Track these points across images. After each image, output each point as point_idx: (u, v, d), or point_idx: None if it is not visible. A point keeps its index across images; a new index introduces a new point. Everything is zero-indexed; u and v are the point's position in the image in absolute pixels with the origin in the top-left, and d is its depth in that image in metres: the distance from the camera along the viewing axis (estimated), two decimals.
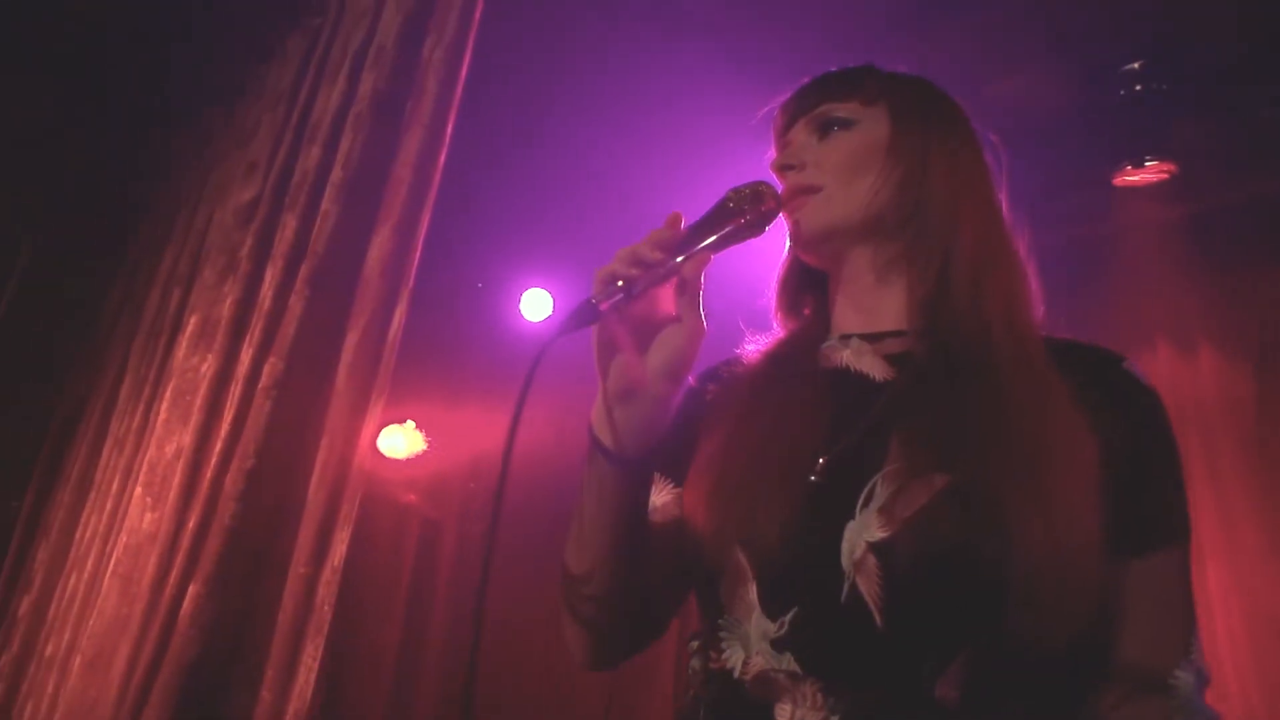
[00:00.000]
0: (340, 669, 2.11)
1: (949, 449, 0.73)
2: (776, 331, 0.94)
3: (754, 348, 0.93)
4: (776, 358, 0.90)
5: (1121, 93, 2.80)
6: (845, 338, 0.87)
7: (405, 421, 2.68)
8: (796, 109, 0.92)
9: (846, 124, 0.88)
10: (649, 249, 0.75)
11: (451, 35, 1.35)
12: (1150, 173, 2.86)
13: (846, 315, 0.88)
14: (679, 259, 0.77)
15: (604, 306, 0.74)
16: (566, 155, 1.99)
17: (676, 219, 0.79)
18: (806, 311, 0.94)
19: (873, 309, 0.87)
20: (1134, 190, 2.94)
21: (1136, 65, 2.73)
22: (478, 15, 1.35)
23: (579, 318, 0.74)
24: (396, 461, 2.64)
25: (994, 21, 2.59)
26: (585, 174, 2.04)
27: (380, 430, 2.60)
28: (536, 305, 2.88)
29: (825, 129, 0.89)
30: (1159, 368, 2.87)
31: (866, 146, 0.86)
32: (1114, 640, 0.73)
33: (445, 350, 2.71)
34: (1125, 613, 0.73)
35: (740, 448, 0.81)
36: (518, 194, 2.06)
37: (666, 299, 0.79)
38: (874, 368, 0.83)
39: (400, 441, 2.68)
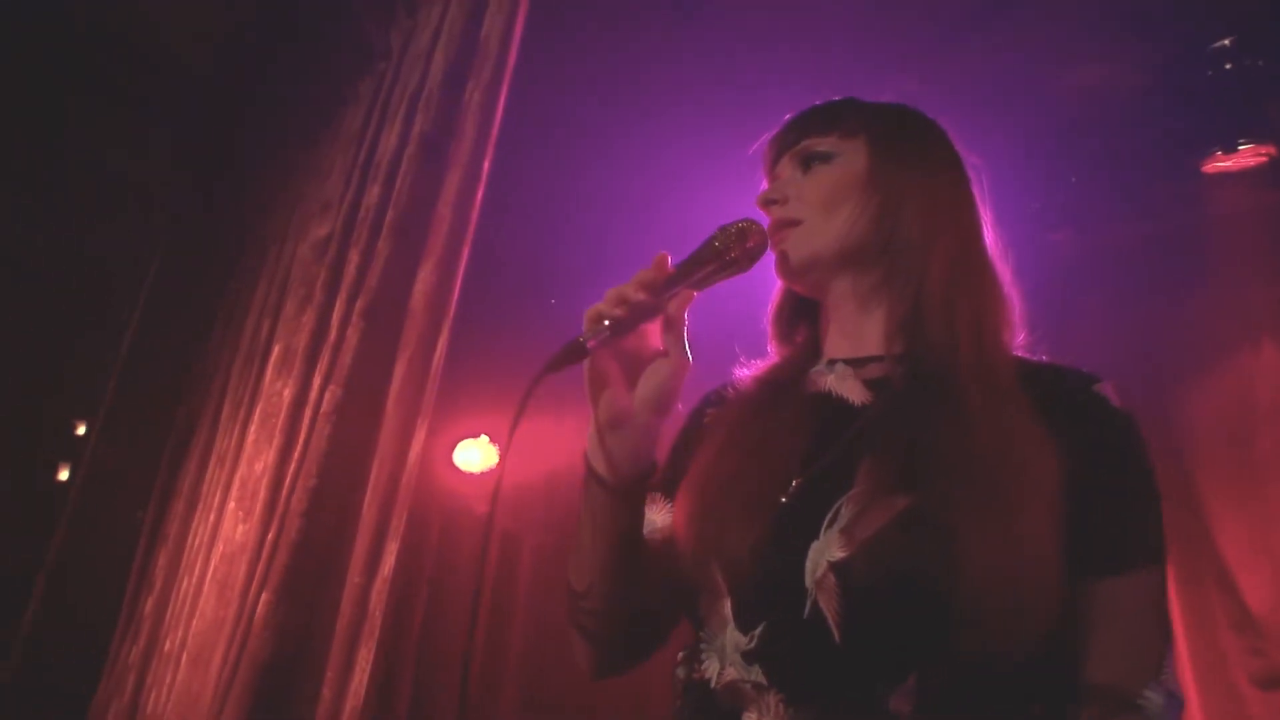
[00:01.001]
0: (422, 677, 2.25)
1: (912, 472, 0.75)
2: (771, 357, 0.97)
3: (747, 373, 0.95)
4: (767, 383, 0.93)
5: (1210, 73, 2.67)
6: (831, 363, 0.90)
7: (479, 436, 2.82)
8: (782, 144, 0.95)
9: (827, 158, 0.91)
10: (634, 290, 0.80)
11: (487, 80, 1.45)
12: (1245, 157, 2.71)
13: (834, 341, 0.91)
14: (666, 295, 0.82)
15: (591, 344, 0.79)
16: (631, 173, 2.07)
17: (663, 259, 0.83)
18: (800, 338, 0.97)
19: (857, 335, 0.89)
20: (1227, 176, 2.80)
21: (1227, 42, 2.60)
22: (512, 60, 1.44)
23: (567, 355, 0.79)
24: (473, 475, 2.78)
25: (1073, 4, 2.52)
26: (651, 192, 2.12)
27: (456, 445, 2.75)
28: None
29: (808, 163, 0.92)
30: (1263, 363, 2.71)
31: (845, 179, 0.89)
32: (1084, 661, 0.74)
33: (520, 364, 2.84)
34: (1095, 634, 0.74)
35: (721, 469, 0.85)
36: (590, 210, 2.16)
37: (654, 334, 0.84)
38: (854, 392, 0.86)
39: (475, 455, 2.82)
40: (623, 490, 0.84)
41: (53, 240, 3.29)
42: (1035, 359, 0.87)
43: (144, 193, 3.27)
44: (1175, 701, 0.74)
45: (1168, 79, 2.68)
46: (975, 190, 0.95)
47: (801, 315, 0.97)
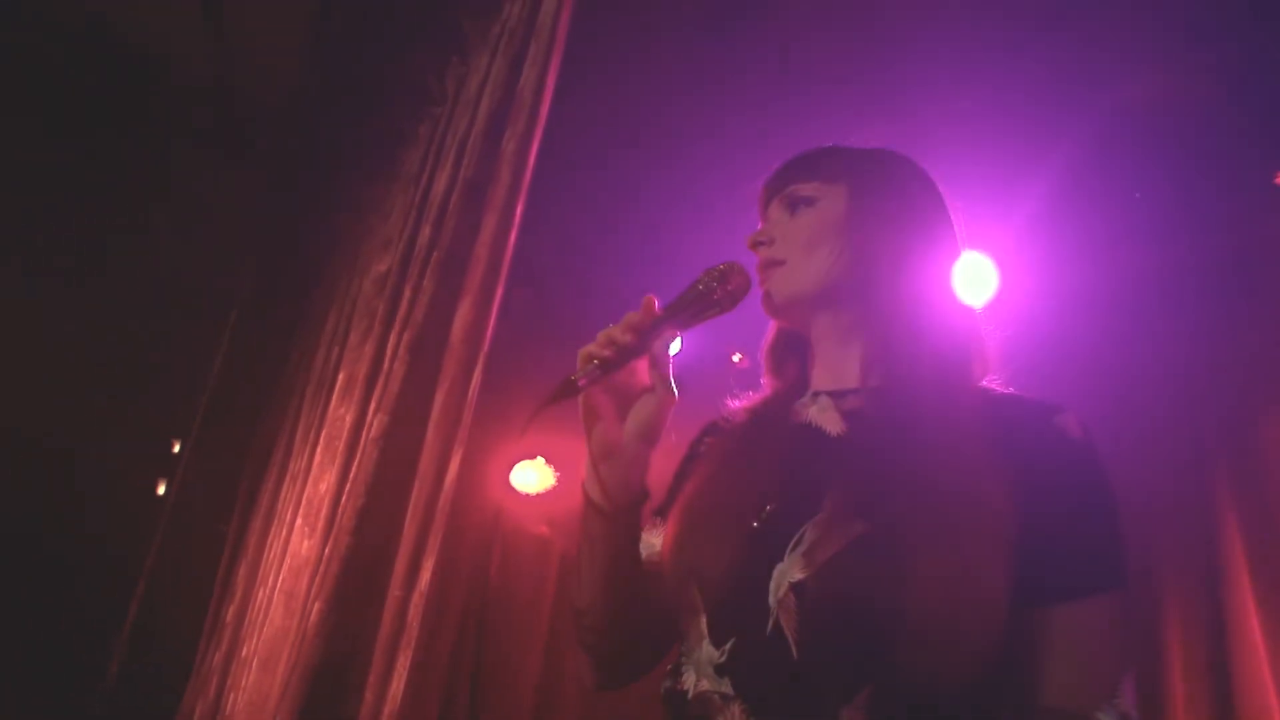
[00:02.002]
0: (486, 695, 2.36)
1: (870, 500, 0.80)
2: (764, 389, 1.04)
3: (739, 405, 1.02)
4: (757, 414, 1.00)
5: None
6: (816, 395, 0.95)
7: (536, 457, 2.94)
8: (772, 188, 1.02)
9: (810, 202, 0.98)
10: (621, 331, 0.89)
11: (522, 130, 1.56)
12: None
13: (819, 374, 0.98)
14: (650, 336, 0.90)
15: (581, 382, 0.88)
16: (657, 212, 2.18)
17: (649, 302, 0.92)
18: (790, 371, 1.03)
19: (838, 369, 0.95)
20: None
21: None
22: (544, 111, 1.56)
23: (560, 392, 0.89)
24: (530, 496, 2.89)
25: (1137, 11, 2.49)
26: (677, 229, 2.22)
27: (513, 467, 2.87)
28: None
29: (794, 206, 0.99)
30: None
31: (824, 223, 0.96)
32: (1040, 684, 0.77)
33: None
34: (1051, 658, 0.77)
35: (705, 496, 0.92)
36: (619, 247, 2.27)
37: (643, 371, 0.92)
38: (831, 423, 0.92)
39: (533, 476, 2.94)
40: (616, 515, 0.92)
41: (150, 273, 3.59)
42: (1002, 390, 0.92)
43: (231, 228, 3.54)
44: None
45: (1236, 88, 2.62)
46: (952, 232, 1.01)
47: (793, 350, 1.03)
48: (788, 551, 0.81)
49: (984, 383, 0.94)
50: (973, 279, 2.80)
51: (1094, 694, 0.76)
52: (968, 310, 0.98)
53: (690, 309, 0.92)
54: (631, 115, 2.02)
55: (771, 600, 0.79)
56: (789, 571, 0.79)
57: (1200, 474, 2.61)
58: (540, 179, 1.49)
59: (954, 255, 1.00)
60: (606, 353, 0.88)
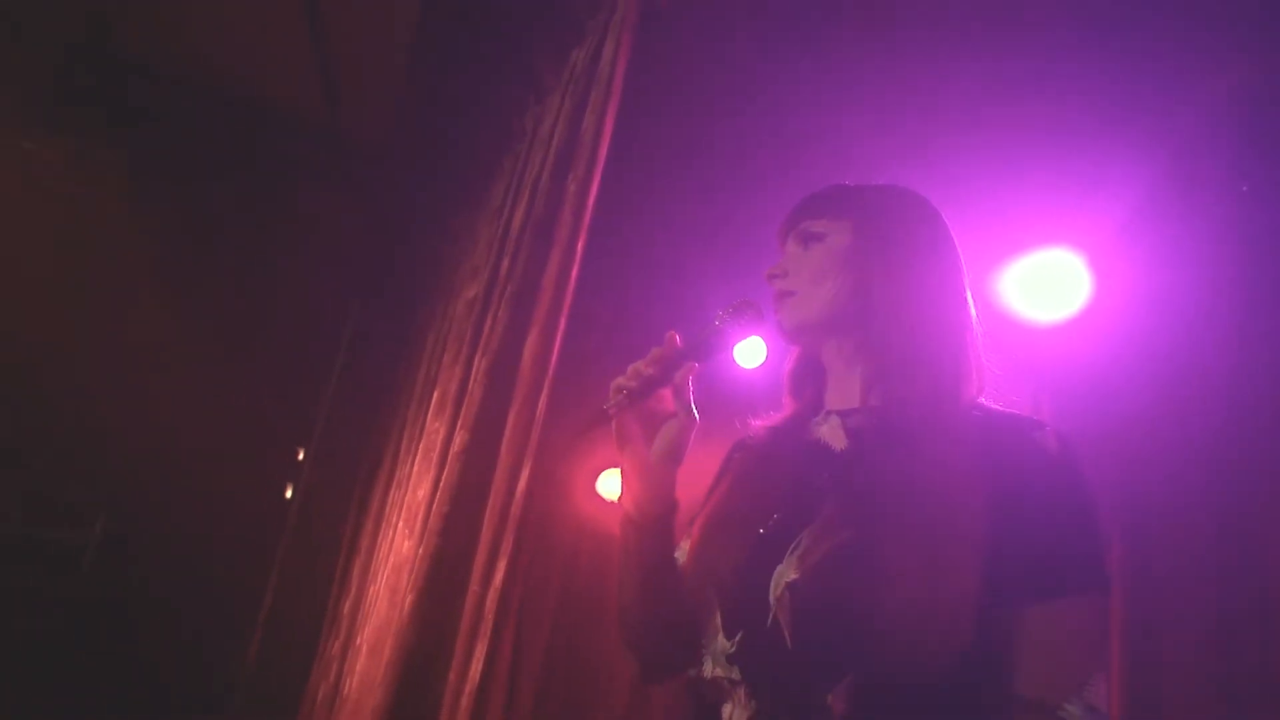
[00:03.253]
0: (575, 696, 2.54)
1: (859, 509, 0.90)
2: (784, 409, 1.13)
3: (762, 424, 1.11)
4: (776, 431, 1.10)
5: None
6: (827, 414, 1.05)
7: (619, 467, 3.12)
8: (788, 225, 1.13)
9: (819, 237, 1.08)
10: (645, 365, 0.99)
11: (582, 174, 1.75)
12: None
13: (831, 395, 1.07)
14: (672, 368, 0.99)
15: (611, 411, 0.99)
16: (707, 247, 2.34)
17: (671, 338, 1.01)
18: (808, 393, 1.12)
19: (845, 390, 1.05)
20: None
21: None
22: (602, 157, 1.74)
23: (594, 420, 1.03)
24: (614, 503, 3.08)
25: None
26: (726, 265, 2.37)
27: (600, 475, 3.07)
28: (752, 353, 3.01)
29: (806, 242, 1.09)
30: None
31: (831, 256, 1.06)
32: (1014, 678, 0.84)
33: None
34: (1024, 653, 0.84)
35: (722, 506, 1.04)
36: (674, 281, 2.44)
37: (667, 399, 1.02)
38: (836, 439, 1.01)
39: (617, 484, 3.12)
40: (648, 526, 1.02)
41: (276, 298, 4.01)
42: (993, 408, 1.00)
43: (343, 255, 3.92)
44: (1097, 715, 0.82)
45: None
46: (954, 261, 1.08)
47: (810, 374, 1.12)
48: (787, 555, 0.90)
49: (980, 400, 1.01)
50: (1063, 279, 2.80)
51: (1063, 686, 0.83)
52: (965, 334, 1.04)
53: (704, 344, 1.05)
54: (684, 157, 2.19)
55: (771, 598, 0.89)
56: (786, 572, 0.89)
57: None
58: (599, 218, 1.67)
59: (955, 283, 1.06)
60: (634, 384, 0.99)
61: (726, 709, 0.92)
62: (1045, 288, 2.66)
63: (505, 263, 2.07)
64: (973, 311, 1.07)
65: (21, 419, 3.98)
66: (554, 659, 2.42)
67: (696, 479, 1.10)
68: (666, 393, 1.03)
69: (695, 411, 1.04)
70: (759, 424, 1.13)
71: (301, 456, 4.45)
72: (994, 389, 1.04)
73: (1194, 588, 2.37)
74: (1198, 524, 2.37)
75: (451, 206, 3.25)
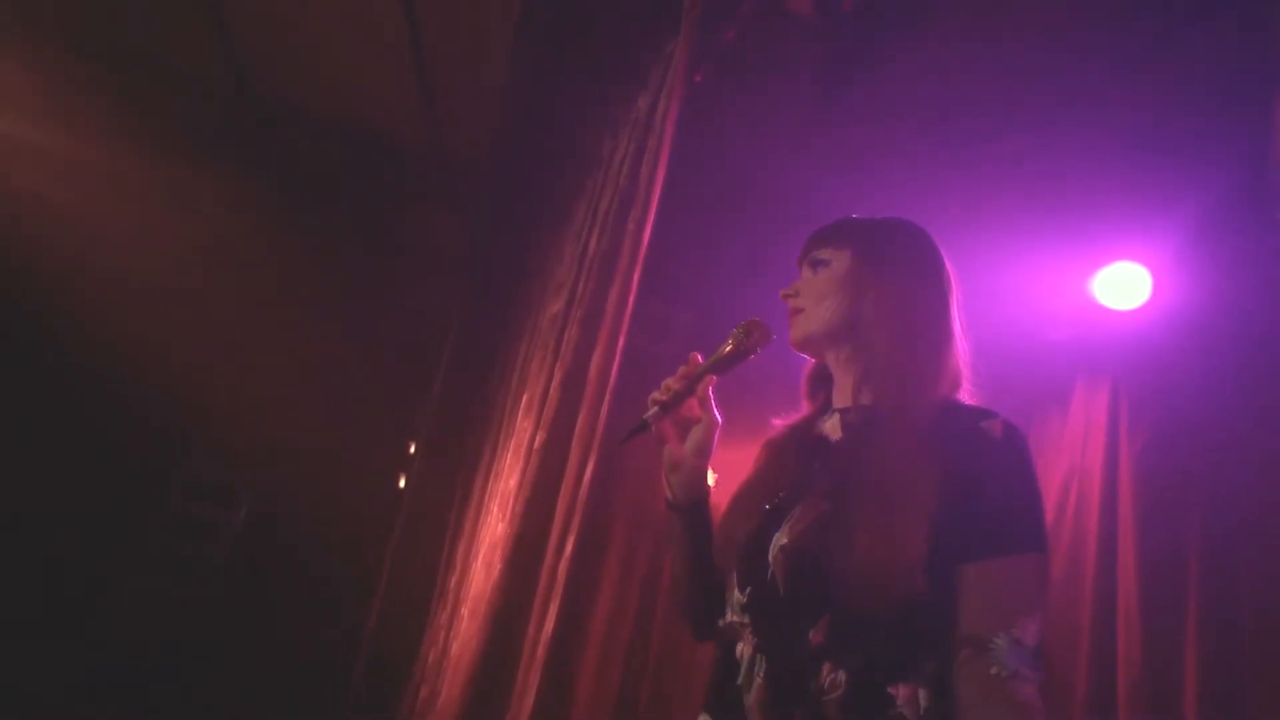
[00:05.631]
0: (662, 686, 2.91)
1: (838, 487, 1.09)
2: (801, 409, 1.35)
3: (782, 422, 1.34)
4: (793, 428, 1.32)
5: None
6: (832, 412, 1.25)
7: None
8: (803, 252, 1.33)
9: (825, 263, 1.27)
10: (674, 380, 1.25)
11: (639, 214, 2.12)
12: None
13: (837, 396, 1.27)
14: (695, 383, 1.25)
15: (650, 420, 1.25)
16: (751, 283, 2.66)
17: (694, 357, 1.28)
18: (821, 395, 1.33)
19: (845, 391, 1.25)
20: None
21: None
22: (655, 201, 2.10)
23: (636, 429, 1.26)
24: None
25: None
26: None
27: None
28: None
29: (815, 266, 1.28)
30: None
31: (832, 280, 1.25)
32: (957, 617, 1.00)
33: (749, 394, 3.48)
34: (966, 598, 1.00)
35: (743, 488, 1.26)
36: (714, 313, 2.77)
37: (695, 407, 1.28)
38: (835, 432, 1.22)
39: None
40: (685, 511, 1.28)
41: (389, 307, 4.57)
42: (960, 402, 1.18)
43: (451, 268, 4.43)
44: (1022, 649, 0.97)
45: None
46: (939, 281, 1.25)
47: (822, 380, 1.33)
48: (783, 524, 1.11)
49: (954, 397, 1.18)
50: (1123, 287, 2.97)
51: (994, 624, 0.98)
52: (943, 342, 1.21)
53: (719, 359, 1.28)
54: (735, 200, 2.52)
55: (769, 558, 1.10)
56: (780, 538, 1.10)
57: None
58: (651, 254, 2.03)
59: (937, 300, 1.23)
60: (665, 397, 1.24)
61: (739, 647, 1.14)
62: (1128, 292, 2.85)
63: (581, 285, 2.46)
64: (955, 324, 1.23)
65: (180, 417, 4.69)
66: (601, 612, 2.83)
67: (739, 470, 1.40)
68: (693, 402, 1.28)
69: (718, 415, 1.30)
70: (779, 422, 1.37)
71: (413, 450, 5.02)
72: (975, 388, 1.22)
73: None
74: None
75: (545, 222, 3.68)
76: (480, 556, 2.75)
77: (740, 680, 1.11)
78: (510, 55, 3.51)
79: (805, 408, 1.35)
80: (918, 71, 2.58)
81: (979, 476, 1.04)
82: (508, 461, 2.79)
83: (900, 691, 1.01)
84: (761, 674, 1.08)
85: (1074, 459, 3.14)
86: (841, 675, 1.01)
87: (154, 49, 3.84)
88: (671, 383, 1.26)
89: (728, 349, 1.28)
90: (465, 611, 2.94)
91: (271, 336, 4.47)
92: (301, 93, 4.07)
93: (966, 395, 1.21)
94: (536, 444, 2.12)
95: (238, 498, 4.83)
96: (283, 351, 4.54)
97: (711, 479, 3.67)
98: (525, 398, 2.84)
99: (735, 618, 1.15)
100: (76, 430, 4.54)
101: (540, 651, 1.83)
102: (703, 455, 1.28)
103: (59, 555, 4.50)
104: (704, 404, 1.27)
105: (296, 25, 3.62)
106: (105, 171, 4.03)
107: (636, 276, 2.05)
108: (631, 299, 2.04)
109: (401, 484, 4.99)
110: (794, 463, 1.23)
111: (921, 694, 1.01)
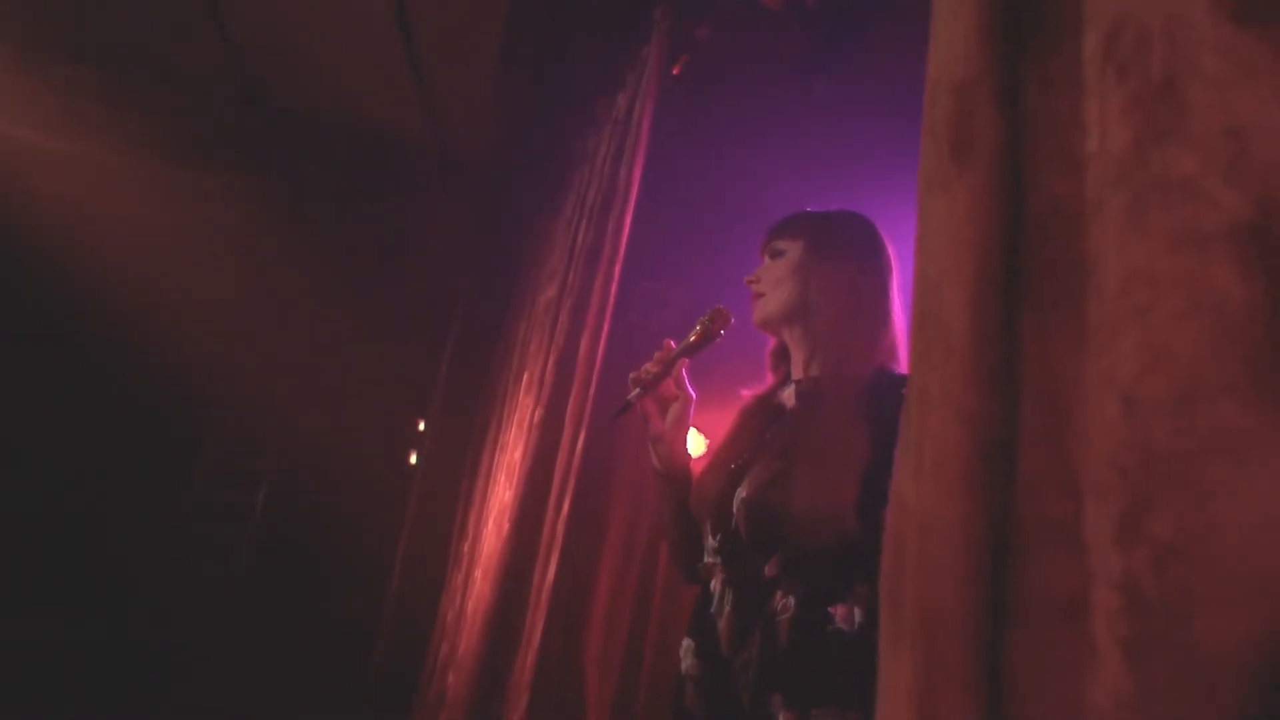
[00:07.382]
0: (667, 620, 3.28)
1: (786, 447, 1.26)
2: (766, 381, 1.52)
3: (750, 393, 1.51)
4: (758, 398, 1.49)
5: None
6: (790, 383, 1.42)
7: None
8: (764, 242, 1.48)
9: (781, 253, 1.43)
10: (652, 365, 1.45)
11: (618, 213, 2.41)
12: None
13: (794, 369, 1.43)
14: (670, 366, 1.47)
15: (633, 399, 1.46)
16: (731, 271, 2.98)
17: (668, 344, 1.48)
18: (782, 368, 1.50)
19: (799, 364, 1.41)
20: None
21: None
22: (632, 200, 2.39)
23: (622, 408, 1.47)
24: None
25: None
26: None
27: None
28: None
29: (774, 255, 1.44)
30: None
31: (787, 267, 1.41)
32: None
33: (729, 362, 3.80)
34: None
35: (714, 452, 1.43)
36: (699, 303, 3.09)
37: (671, 386, 1.50)
38: (790, 400, 1.39)
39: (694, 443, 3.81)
40: (669, 476, 1.49)
41: (397, 295, 4.87)
42: (891, 370, 1.30)
43: (454, 256, 4.72)
44: None
45: None
46: (880, 267, 1.39)
47: (784, 355, 1.49)
48: (744, 480, 1.29)
49: (890, 365, 1.31)
50: None
51: None
52: (881, 320, 1.35)
53: (694, 344, 1.47)
54: (711, 198, 2.81)
55: (734, 508, 1.28)
56: (740, 492, 1.27)
57: None
58: (631, 246, 2.33)
59: (878, 283, 1.37)
60: (645, 379, 1.45)
61: (713, 583, 1.33)
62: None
63: (570, 275, 2.76)
64: (894, 304, 1.36)
65: (200, 408, 5.03)
66: (607, 566, 3.19)
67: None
68: (669, 382, 1.50)
69: (692, 391, 1.53)
70: (747, 393, 1.54)
71: (422, 427, 5.35)
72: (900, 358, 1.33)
73: None
74: None
75: (540, 213, 3.97)
76: (490, 521, 3.08)
77: (714, 609, 1.29)
78: (499, 54, 3.78)
79: (769, 380, 1.54)
80: (889, 65, 2.84)
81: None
82: (512, 435, 3.11)
83: (838, 611, 1.16)
84: (729, 603, 1.26)
85: None
86: (791, 600, 1.18)
87: (157, 52, 4.08)
88: (650, 367, 1.48)
89: (695, 335, 1.48)
90: (479, 573, 3.28)
91: (285, 327, 4.79)
92: (305, 92, 4.33)
93: (902, 365, 1.34)
94: (536, 419, 2.44)
95: (257, 481, 5.18)
96: (296, 341, 4.86)
97: (704, 444, 3.99)
98: (526, 376, 3.15)
99: (710, 559, 1.34)
100: (102, 424, 4.88)
101: (544, 596, 2.16)
102: (681, 426, 1.50)
103: (90, 541, 4.86)
104: (679, 383, 1.51)
105: (297, 25, 3.86)
106: (123, 176, 4.32)
107: (618, 268, 2.35)
108: (614, 288, 2.34)
109: (413, 460, 5.32)
110: (757, 427, 1.42)
111: (856, 611, 1.15)
